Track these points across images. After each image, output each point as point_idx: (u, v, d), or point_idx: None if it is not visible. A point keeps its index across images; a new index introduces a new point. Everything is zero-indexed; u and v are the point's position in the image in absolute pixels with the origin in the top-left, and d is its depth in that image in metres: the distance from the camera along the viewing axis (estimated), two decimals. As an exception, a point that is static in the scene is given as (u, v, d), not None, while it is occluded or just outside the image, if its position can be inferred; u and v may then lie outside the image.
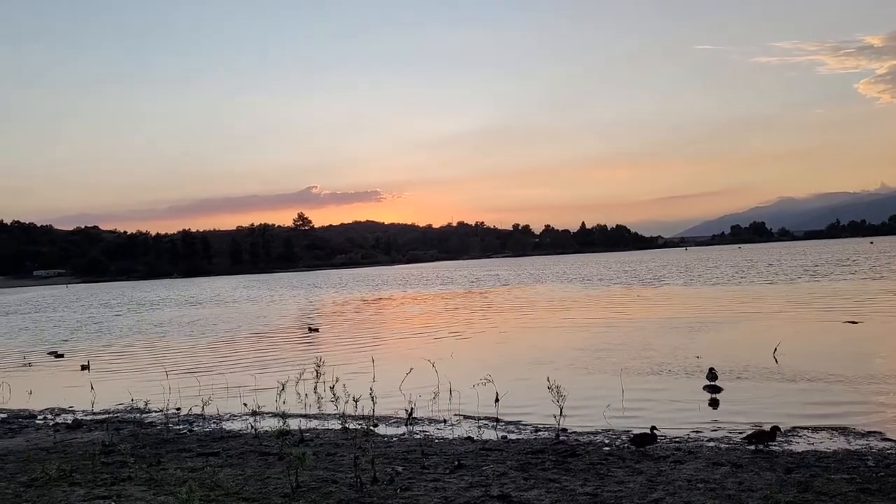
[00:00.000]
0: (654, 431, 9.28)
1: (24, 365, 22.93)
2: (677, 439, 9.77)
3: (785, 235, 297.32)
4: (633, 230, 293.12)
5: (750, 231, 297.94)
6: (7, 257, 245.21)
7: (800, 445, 9.23)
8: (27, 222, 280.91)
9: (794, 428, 10.09)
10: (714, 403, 12.16)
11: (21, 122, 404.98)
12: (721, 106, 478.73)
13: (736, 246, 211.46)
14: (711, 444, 9.45)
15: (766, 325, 22.63)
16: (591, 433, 10.34)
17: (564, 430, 10.46)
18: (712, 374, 13.40)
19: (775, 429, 9.25)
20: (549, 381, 10.31)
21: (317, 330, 29.14)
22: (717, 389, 13.00)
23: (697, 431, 10.21)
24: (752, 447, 8.94)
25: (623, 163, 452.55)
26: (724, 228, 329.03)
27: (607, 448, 9.35)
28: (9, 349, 28.31)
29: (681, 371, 15.02)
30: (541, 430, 10.68)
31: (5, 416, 13.88)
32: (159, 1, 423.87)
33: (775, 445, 9.02)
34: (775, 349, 16.28)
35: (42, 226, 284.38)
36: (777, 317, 24.79)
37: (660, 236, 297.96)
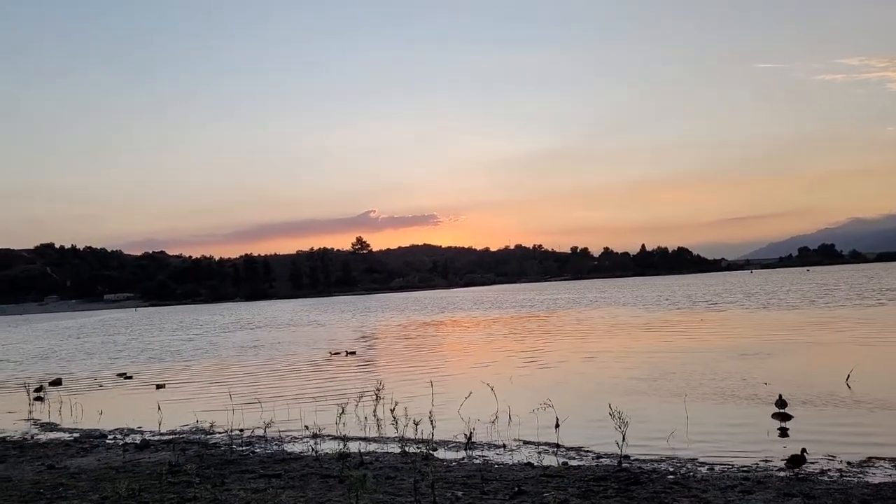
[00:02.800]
0: (805, 454, 9.09)
1: (96, 386, 23.70)
2: (745, 468, 9.46)
3: (856, 258, 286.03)
4: (695, 252, 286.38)
5: (819, 253, 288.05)
6: (81, 282, 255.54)
7: (876, 477, 8.82)
8: (99, 248, 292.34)
9: (869, 458, 9.66)
10: (783, 432, 11.74)
11: (93, 150, 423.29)
12: (786, 124, 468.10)
13: (804, 269, 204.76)
14: (782, 473, 9.11)
15: (837, 350, 21.80)
16: (655, 461, 10.09)
17: (627, 456, 10.23)
18: (781, 402, 12.94)
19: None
20: (610, 406, 10.14)
21: (353, 353, 29.57)
22: (786, 417, 12.54)
23: (767, 461, 9.86)
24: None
25: (684, 184, 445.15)
26: (792, 250, 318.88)
27: (672, 476, 9.11)
28: (81, 370, 29.34)
29: (748, 398, 14.57)
30: (602, 457, 10.48)
31: (78, 435, 14.35)
32: (217, 28, 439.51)
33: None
34: (848, 376, 15.66)
35: (112, 251, 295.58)
36: (849, 342, 23.86)
37: (723, 259, 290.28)
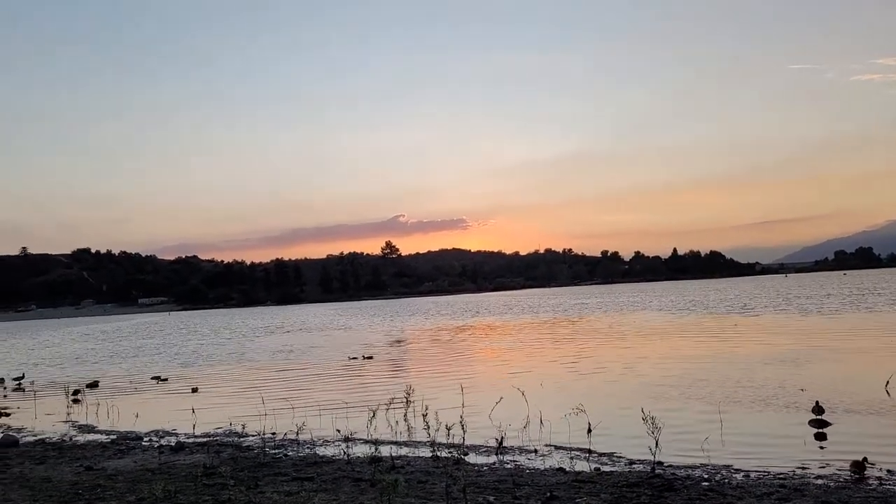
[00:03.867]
0: (866, 462, 9.03)
1: (132, 389, 24.09)
2: (781, 475, 9.31)
3: (894, 261, 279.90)
4: (728, 256, 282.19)
5: (856, 257, 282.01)
6: (116, 286, 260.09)
7: (919, 486, 8.61)
8: (133, 253, 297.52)
9: (911, 467, 9.44)
10: (821, 438, 11.53)
11: (127, 155, 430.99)
12: (821, 126, 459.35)
13: (841, 272, 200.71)
14: (819, 481, 8.95)
15: (877, 356, 21.33)
16: (689, 467, 9.97)
17: (660, 463, 10.13)
18: (818, 408, 12.72)
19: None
20: (643, 412, 10.05)
21: (371, 358, 29.77)
22: (823, 424, 12.32)
23: (803, 468, 9.70)
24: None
25: (717, 186, 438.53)
26: (828, 254, 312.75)
27: (706, 483, 9.00)
28: (117, 373, 29.84)
29: (784, 404, 14.33)
30: (635, 463, 10.38)
31: (114, 437, 14.61)
32: (249, 30, 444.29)
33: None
34: (887, 382, 15.32)
35: (147, 256, 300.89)
36: (889, 348, 23.35)
37: (757, 262, 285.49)
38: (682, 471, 9.76)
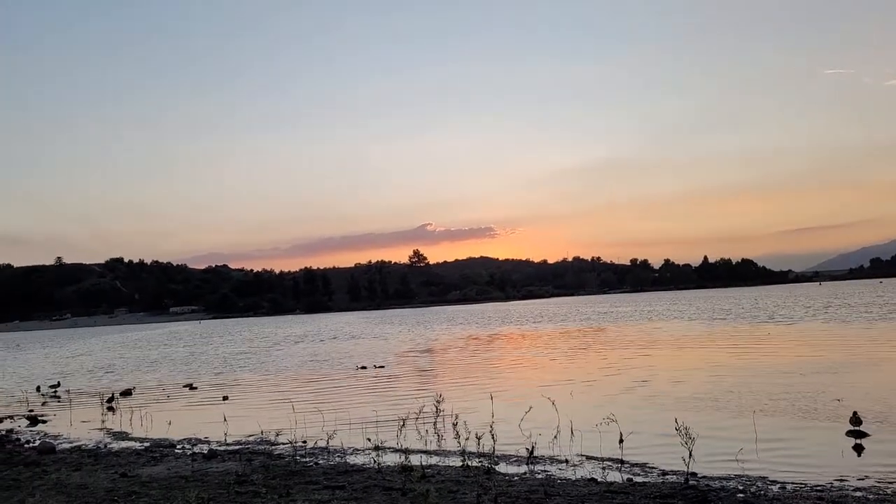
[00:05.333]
0: None
1: (164, 397, 24.39)
2: (819, 488, 9.14)
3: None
4: (760, 264, 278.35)
5: (892, 264, 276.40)
6: (148, 295, 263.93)
7: (963, 500, 8.39)
8: (165, 262, 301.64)
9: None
10: (859, 450, 11.30)
11: (158, 167, 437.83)
12: (856, 132, 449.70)
13: (877, 280, 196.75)
14: (859, 494, 8.77)
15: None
16: (724, 478, 9.82)
17: (694, 474, 10.00)
18: (856, 419, 12.46)
19: None
20: (677, 422, 9.93)
21: (382, 367, 29.93)
22: (861, 435, 12.07)
23: (842, 480, 9.51)
24: None
25: (748, 194, 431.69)
26: (863, 261, 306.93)
27: (742, 495, 8.85)
28: (150, 381, 30.24)
29: (820, 415, 14.07)
30: (668, 474, 10.25)
31: (148, 444, 14.79)
32: (275, 42, 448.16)
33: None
34: (928, 392, 14.97)
35: (178, 265, 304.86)
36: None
37: (790, 270, 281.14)
38: (716, 482, 9.62)
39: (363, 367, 30.32)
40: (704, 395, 17.34)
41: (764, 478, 9.80)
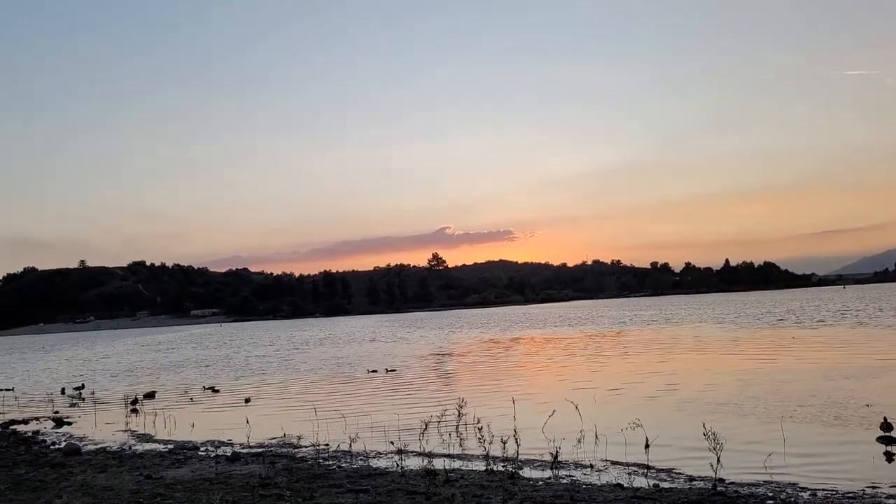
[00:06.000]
0: None
1: (187, 399, 24.53)
2: (851, 494, 8.97)
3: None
4: (782, 267, 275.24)
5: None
6: (170, 298, 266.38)
7: None
8: (186, 265, 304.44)
9: None
10: (890, 456, 11.08)
11: (180, 171, 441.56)
12: (880, 133, 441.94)
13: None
14: (891, 501, 8.60)
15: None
16: (752, 485, 9.67)
17: (722, 480, 9.85)
18: (887, 424, 12.23)
19: None
20: (704, 427, 9.80)
21: (394, 370, 29.89)
22: (892, 441, 11.84)
23: (874, 487, 9.32)
24: None
25: (771, 196, 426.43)
26: (888, 264, 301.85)
27: (771, 502, 8.71)
28: (173, 384, 30.45)
29: (849, 421, 13.82)
30: (696, 480, 10.11)
31: (172, 446, 14.86)
32: (295, 45, 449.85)
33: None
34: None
35: (199, 268, 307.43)
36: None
37: (813, 273, 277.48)
38: (744, 488, 9.47)
39: (373, 371, 30.30)
40: (730, 400, 17.12)
41: (794, 484, 9.64)
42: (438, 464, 11.27)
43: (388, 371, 29.93)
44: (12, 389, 31.61)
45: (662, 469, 10.85)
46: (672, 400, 17.81)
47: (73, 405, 24.41)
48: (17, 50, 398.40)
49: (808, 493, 9.20)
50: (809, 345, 31.85)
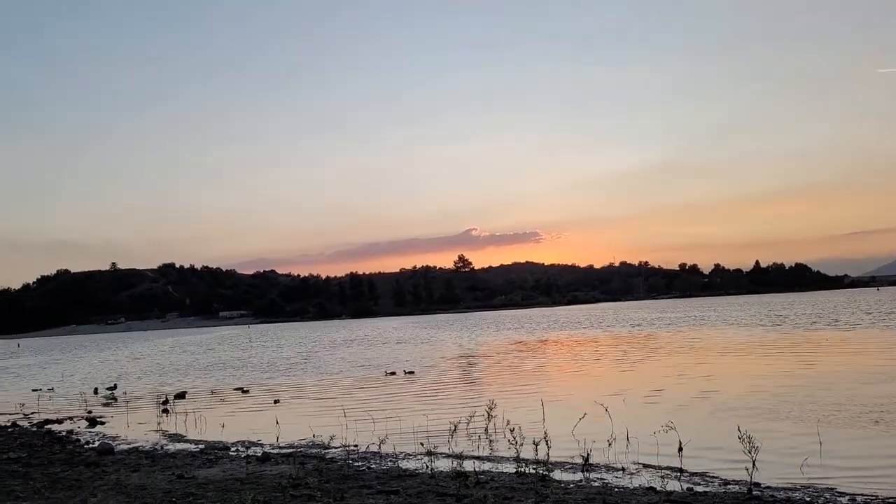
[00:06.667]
0: None
1: (217, 399, 24.75)
2: (892, 500, 8.75)
3: None
4: (814, 269, 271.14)
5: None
6: (199, 300, 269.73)
7: None
8: (214, 268, 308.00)
9: None
10: (931, 462, 10.80)
11: (208, 174, 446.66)
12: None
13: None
14: (936, 508, 8.37)
15: None
16: (789, 489, 9.48)
17: (757, 484, 9.67)
18: (928, 429, 11.95)
19: None
20: (739, 430, 9.63)
21: (412, 373, 29.83)
22: (934, 446, 11.56)
23: (916, 493, 9.09)
24: None
25: (802, 197, 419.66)
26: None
27: (809, 507, 8.53)
28: (203, 384, 30.76)
29: (889, 425, 13.49)
30: (730, 483, 9.94)
31: (203, 446, 14.98)
32: (319, 52, 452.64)
33: None
34: None
35: (227, 270, 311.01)
36: None
37: (846, 275, 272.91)
38: (781, 493, 9.29)
39: (392, 373, 30.31)
40: (764, 403, 16.84)
41: (832, 489, 9.44)
42: (468, 466, 11.22)
43: (406, 373, 29.91)
44: (53, 389, 32.16)
45: (696, 473, 10.68)
46: (705, 403, 17.56)
47: (106, 405, 24.76)
48: (51, 52, 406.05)
49: (847, 498, 9.01)
50: (844, 348, 31.27)
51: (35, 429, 18.98)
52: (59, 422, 20.45)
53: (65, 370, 48.19)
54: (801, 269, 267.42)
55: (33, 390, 31.87)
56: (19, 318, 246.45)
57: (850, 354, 27.99)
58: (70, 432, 18.11)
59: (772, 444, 11.84)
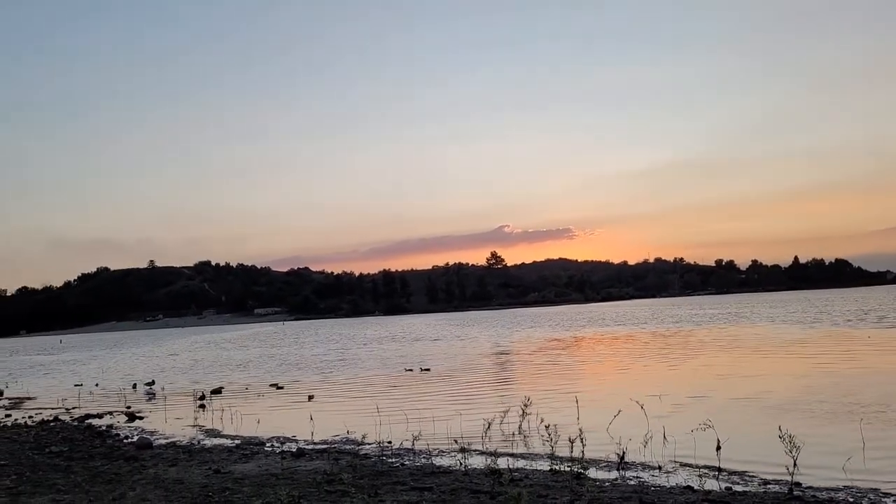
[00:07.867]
0: None
1: (252, 395, 25.02)
2: (941, 503, 8.49)
3: None
4: (855, 264, 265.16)
5: None
6: (234, 297, 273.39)
7: None
8: (249, 265, 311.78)
9: None
10: (981, 463, 10.47)
11: (244, 174, 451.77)
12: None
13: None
14: None
15: None
16: (831, 489, 9.26)
17: (798, 483, 9.47)
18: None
19: None
20: (780, 429, 9.43)
21: (428, 370, 29.96)
22: (984, 446, 11.20)
23: (966, 495, 8.81)
24: None
25: (841, 191, 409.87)
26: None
27: (853, 508, 8.32)
28: (238, 380, 31.12)
29: (934, 424, 13.14)
30: (770, 483, 9.74)
31: (238, 441, 15.15)
32: (350, 48, 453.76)
33: None
34: None
35: (262, 268, 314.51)
36: None
37: (888, 271, 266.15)
38: (823, 493, 9.08)
39: (409, 370, 30.47)
40: (805, 401, 16.50)
41: (875, 490, 9.20)
42: (502, 462, 11.16)
43: (422, 370, 30.08)
44: (97, 385, 32.82)
45: (735, 472, 10.49)
46: (744, 401, 17.25)
47: (145, 400, 25.18)
48: (88, 52, 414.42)
49: (892, 499, 8.78)
50: (887, 345, 30.51)
51: (76, 423, 19.39)
52: (100, 416, 20.86)
53: (106, 365, 49.18)
54: (841, 264, 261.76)
55: (75, 385, 32.57)
56: (62, 315, 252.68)
57: (889, 352, 27.29)
58: (110, 427, 18.44)
59: (813, 443, 11.57)
